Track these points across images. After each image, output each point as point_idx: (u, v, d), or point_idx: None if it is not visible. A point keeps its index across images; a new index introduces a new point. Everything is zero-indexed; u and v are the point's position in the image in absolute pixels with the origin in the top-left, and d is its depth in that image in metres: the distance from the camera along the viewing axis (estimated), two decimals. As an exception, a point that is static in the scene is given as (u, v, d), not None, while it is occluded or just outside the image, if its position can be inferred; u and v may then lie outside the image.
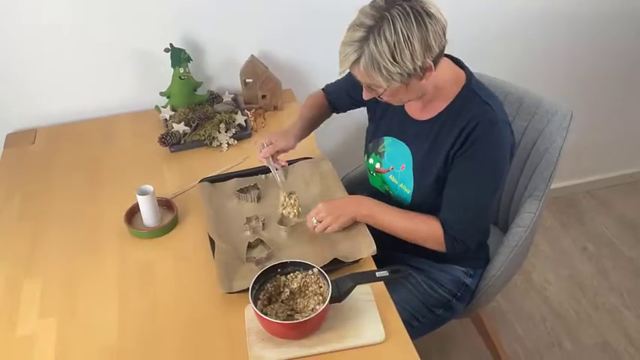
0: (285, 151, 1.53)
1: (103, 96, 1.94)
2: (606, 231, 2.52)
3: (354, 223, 1.40)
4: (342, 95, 1.58)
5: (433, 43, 1.15)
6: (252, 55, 1.90)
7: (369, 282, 1.24)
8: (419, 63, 1.15)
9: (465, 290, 1.51)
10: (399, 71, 1.15)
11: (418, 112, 1.37)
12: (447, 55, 1.31)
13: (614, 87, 2.42)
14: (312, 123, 1.61)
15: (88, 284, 1.35)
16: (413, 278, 1.50)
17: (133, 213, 1.50)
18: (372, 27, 1.13)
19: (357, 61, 1.17)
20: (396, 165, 1.41)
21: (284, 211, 1.44)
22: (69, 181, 1.68)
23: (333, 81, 1.62)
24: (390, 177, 1.44)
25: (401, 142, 1.40)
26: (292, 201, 1.44)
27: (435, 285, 1.50)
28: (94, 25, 1.82)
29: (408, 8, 1.12)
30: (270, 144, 1.51)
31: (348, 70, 1.22)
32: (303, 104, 1.64)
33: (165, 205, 1.52)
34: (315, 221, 1.36)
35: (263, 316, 1.14)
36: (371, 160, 1.49)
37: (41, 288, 1.35)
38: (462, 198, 1.31)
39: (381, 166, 1.46)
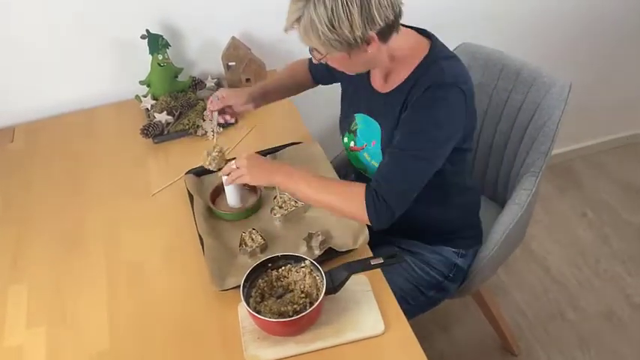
0: (235, 108, 1.47)
1: (81, 88, 1.87)
2: (605, 196, 2.48)
3: None
4: (320, 66, 1.48)
5: (376, 14, 1.11)
6: (233, 37, 1.82)
7: (364, 271, 1.20)
8: (358, 33, 1.12)
9: (456, 271, 1.48)
10: (337, 39, 1.13)
11: (381, 84, 1.33)
12: (413, 27, 1.28)
13: (605, 49, 2.35)
14: (281, 87, 1.56)
15: (76, 287, 1.31)
16: (403, 261, 1.46)
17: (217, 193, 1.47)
18: None
19: (297, 21, 1.15)
20: (369, 142, 1.37)
21: (275, 215, 1.40)
22: (51, 180, 1.62)
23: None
24: (365, 155, 1.39)
25: (370, 118, 1.36)
26: (281, 203, 1.42)
27: (425, 267, 1.46)
28: (67, 16, 1.74)
29: None
30: (221, 97, 1.46)
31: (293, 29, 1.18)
32: (284, 70, 1.61)
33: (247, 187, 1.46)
34: (234, 165, 1.32)
35: (256, 314, 1.10)
36: (345, 139, 1.45)
37: (27, 294, 1.30)
38: (393, 157, 1.23)
39: (355, 144, 1.41)
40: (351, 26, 1.11)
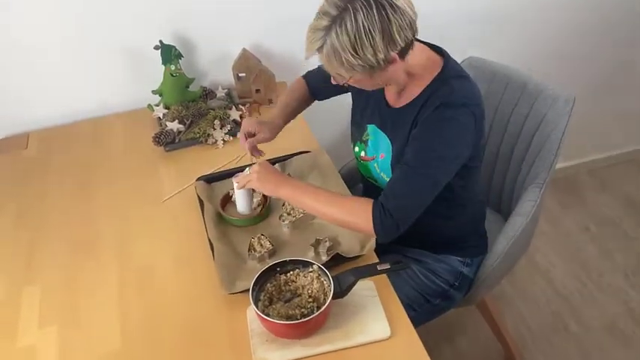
0: (264, 142, 1.49)
1: (95, 96, 1.91)
2: (608, 211, 2.50)
3: None
4: (321, 82, 1.49)
5: (397, 36, 1.13)
6: (243, 49, 1.87)
7: (371, 276, 1.22)
8: (381, 56, 1.14)
9: (462, 280, 1.50)
10: (361, 63, 1.15)
11: (395, 99, 1.35)
12: (424, 42, 1.30)
13: (611, 64, 2.39)
14: (294, 112, 1.57)
15: (88, 290, 1.34)
16: (409, 268, 1.48)
17: (227, 200, 1.50)
18: (335, 17, 1.12)
19: (320, 49, 1.16)
20: (378, 154, 1.40)
21: (283, 221, 1.43)
22: (64, 185, 1.65)
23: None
24: (375, 165, 1.42)
25: (380, 132, 1.39)
26: (289, 209, 1.44)
27: (431, 275, 1.48)
28: (82, 25, 1.79)
29: (372, 0, 1.11)
30: (252, 134, 1.47)
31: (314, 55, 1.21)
32: (286, 92, 1.60)
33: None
34: (248, 172, 1.36)
35: (264, 317, 1.13)
36: (356, 149, 1.47)
37: (40, 296, 1.33)
38: (402, 173, 1.25)
39: (365, 154, 1.44)
40: (374, 50, 1.12)
